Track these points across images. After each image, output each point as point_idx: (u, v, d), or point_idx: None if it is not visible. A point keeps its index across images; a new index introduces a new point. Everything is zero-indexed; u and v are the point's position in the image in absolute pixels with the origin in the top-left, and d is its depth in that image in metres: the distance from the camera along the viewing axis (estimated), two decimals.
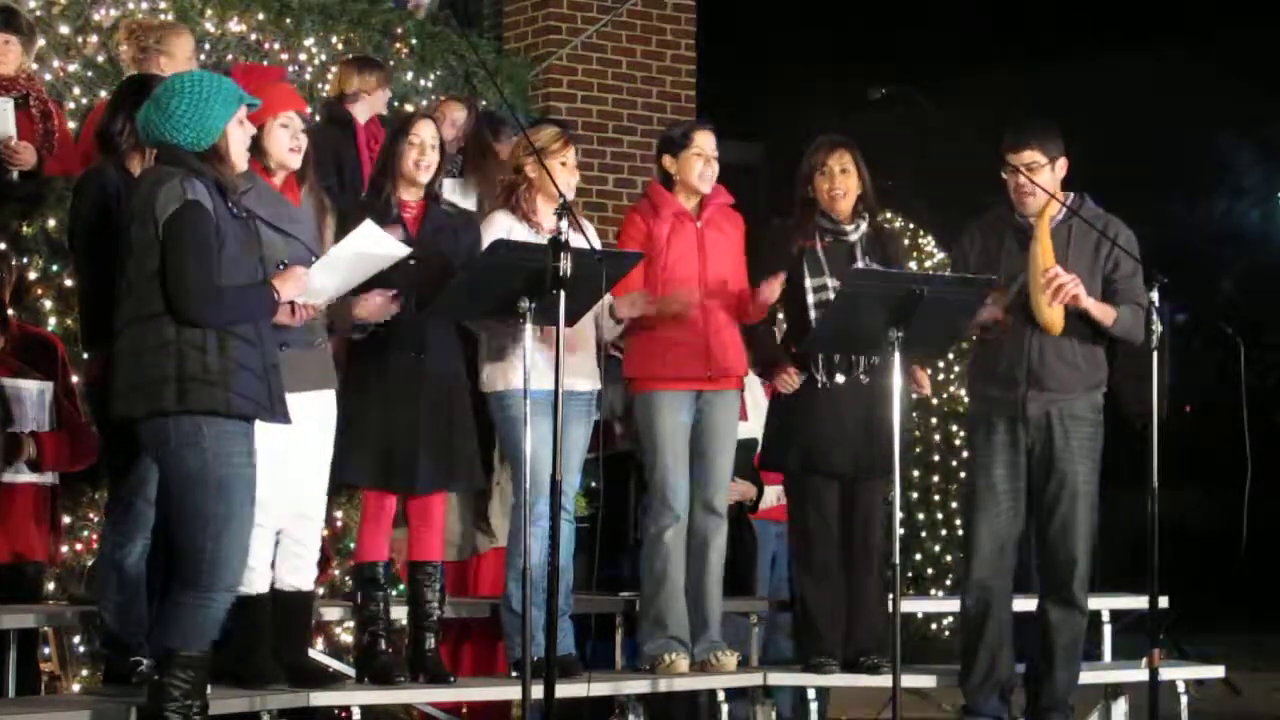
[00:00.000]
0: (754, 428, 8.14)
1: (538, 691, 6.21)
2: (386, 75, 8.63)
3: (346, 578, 8.16)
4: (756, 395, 8.46)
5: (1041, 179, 7.17)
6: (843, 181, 7.50)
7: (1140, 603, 7.63)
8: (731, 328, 7.51)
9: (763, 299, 7.35)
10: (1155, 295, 6.93)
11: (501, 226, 7.01)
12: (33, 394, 6.96)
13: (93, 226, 6.32)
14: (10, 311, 7.11)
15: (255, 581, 6.44)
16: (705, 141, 7.48)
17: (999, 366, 7.25)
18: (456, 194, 7.77)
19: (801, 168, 7.57)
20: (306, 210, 6.58)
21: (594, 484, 8.21)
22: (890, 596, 7.18)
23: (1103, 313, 7.13)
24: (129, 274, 5.81)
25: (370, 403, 6.79)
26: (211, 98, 5.85)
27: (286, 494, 6.52)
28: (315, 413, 6.57)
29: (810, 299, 7.44)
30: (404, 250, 6.36)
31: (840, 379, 7.44)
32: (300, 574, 6.65)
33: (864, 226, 7.56)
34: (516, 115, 7.70)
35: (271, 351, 6.00)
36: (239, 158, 5.95)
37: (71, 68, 8.22)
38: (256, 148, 6.45)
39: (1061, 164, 7.25)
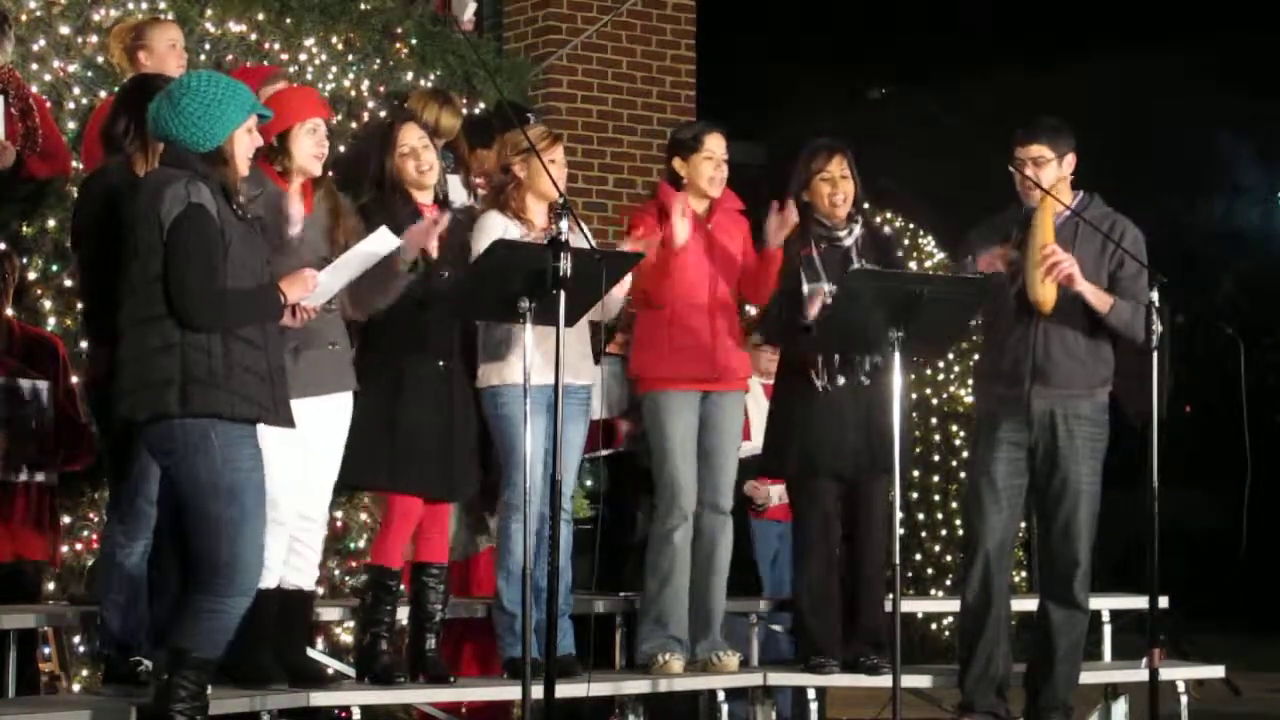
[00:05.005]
0: (759, 441, 8.12)
1: (538, 691, 6.22)
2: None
3: (347, 578, 8.16)
4: (761, 405, 8.45)
5: (1047, 173, 7.19)
6: (844, 187, 7.50)
7: (1140, 603, 7.63)
8: (736, 331, 7.54)
9: (774, 238, 7.33)
10: (1155, 295, 6.94)
11: (496, 226, 7.01)
12: (32, 394, 6.96)
13: (97, 227, 6.32)
14: (10, 311, 7.12)
15: (265, 578, 6.43)
16: (716, 145, 7.47)
17: (1004, 363, 7.26)
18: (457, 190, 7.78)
19: (797, 174, 7.56)
20: (318, 214, 6.58)
21: (591, 484, 8.21)
22: (890, 596, 7.19)
23: (1099, 299, 7.13)
24: (132, 276, 5.81)
25: (407, 409, 6.80)
26: (224, 100, 5.84)
27: (297, 494, 6.53)
28: (328, 416, 6.58)
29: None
30: (397, 242, 6.37)
31: (841, 381, 7.43)
32: (302, 573, 6.66)
33: (858, 230, 7.56)
34: (513, 116, 7.67)
35: (277, 354, 6.00)
36: (243, 164, 5.95)
37: (71, 68, 8.21)
38: (282, 150, 6.47)
39: (1069, 160, 7.28)
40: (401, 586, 7.11)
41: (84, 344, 7.14)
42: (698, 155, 7.46)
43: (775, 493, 8.65)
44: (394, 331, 6.80)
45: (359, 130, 8.33)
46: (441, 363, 6.89)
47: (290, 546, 6.60)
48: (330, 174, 6.74)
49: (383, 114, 8.59)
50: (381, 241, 6.31)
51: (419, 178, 6.93)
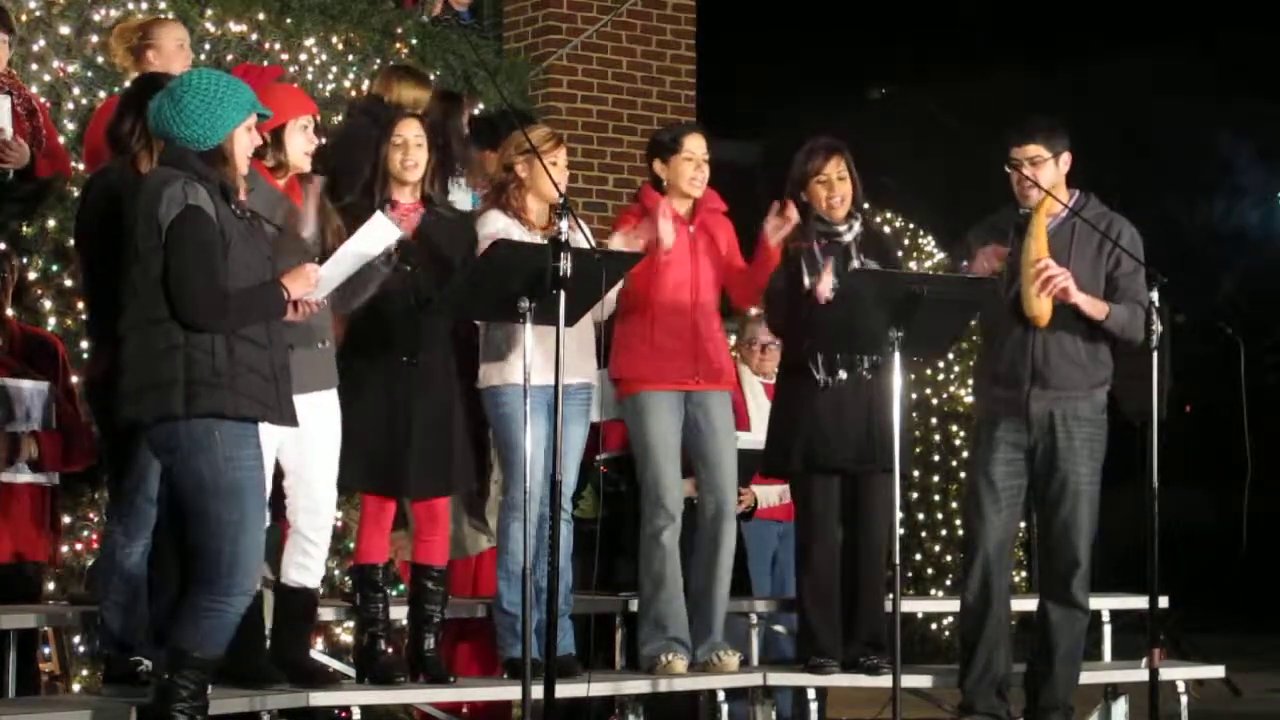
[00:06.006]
0: (758, 437, 8.12)
1: (538, 691, 6.22)
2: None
3: (346, 578, 8.16)
4: (760, 403, 8.45)
5: (1045, 173, 7.20)
6: (840, 188, 7.50)
7: (1140, 603, 7.63)
8: (720, 332, 7.55)
9: (772, 238, 7.34)
10: (1155, 295, 6.94)
11: (496, 225, 7.02)
12: (33, 394, 6.96)
13: (99, 226, 6.32)
14: (10, 311, 7.12)
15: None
16: (695, 145, 7.48)
17: (1002, 366, 7.26)
18: (459, 195, 7.78)
19: (794, 172, 7.56)
20: (309, 211, 6.59)
21: (602, 485, 8.21)
22: (890, 596, 7.19)
23: (1094, 308, 7.14)
24: (134, 278, 5.80)
25: (367, 406, 6.79)
26: (225, 99, 5.85)
27: (297, 492, 6.53)
28: (321, 412, 6.58)
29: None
30: (397, 233, 6.38)
31: (842, 375, 7.43)
32: (307, 572, 6.66)
33: (857, 227, 7.56)
34: (512, 116, 7.67)
35: (281, 354, 6.00)
36: (242, 162, 5.96)
37: (71, 68, 8.22)
38: (276, 145, 6.48)
39: (1065, 158, 7.28)
40: (400, 585, 7.11)
41: (85, 344, 7.14)
42: (677, 156, 7.47)
43: (776, 492, 8.64)
44: (359, 328, 6.79)
45: (338, 127, 8.26)
46: (407, 357, 6.86)
47: (297, 545, 6.60)
48: (318, 173, 6.73)
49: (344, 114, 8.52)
50: (380, 231, 6.30)
51: (402, 171, 6.93)
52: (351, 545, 8.27)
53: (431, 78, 8.52)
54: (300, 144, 6.56)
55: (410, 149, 6.92)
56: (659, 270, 7.38)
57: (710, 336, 7.46)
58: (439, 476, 6.97)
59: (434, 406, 6.90)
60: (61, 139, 7.84)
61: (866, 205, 7.73)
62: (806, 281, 7.44)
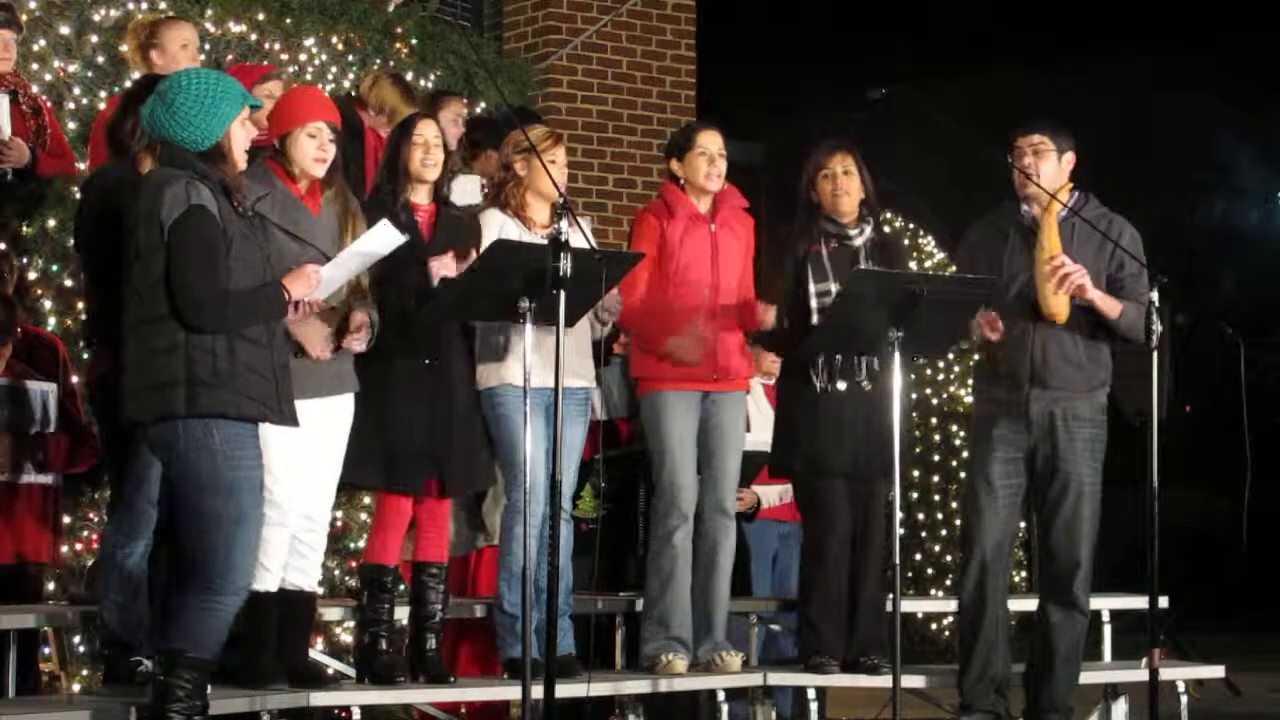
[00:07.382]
0: (759, 438, 8.13)
1: (538, 691, 6.22)
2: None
3: (347, 578, 8.17)
4: (761, 404, 8.45)
5: (1048, 165, 7.19)
6: (845, 182, 7.50)
7: (1140, 603, 7.64)
8: (737, 331, 7.53)
9: (762, 324, 7.44)
10: (1155, 295, 6.94)
11: (495, 225, 7.03)
12: (37, 395, 6.96)
13: (99, 226, 6.32)
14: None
15: (267, 580, 6.46)
16: (708, 140, 7.49)
17: (1002, 367, 7.26)
18: (467, 190, 7.79)
19: (803, 172, 7.58)
20: (327, 217, 6.58)
21: (602, 484, 8.22)
22: (890, 596, 7.19)
23: (1108, 305, 7.13)
24: (135, 278, 5.80)
25: (396, 407, 6.80)
26: (217, 97, 5.84)
27: (297, 495, 6.54)
28: (330, 417, 6.58)
29: (814, 303, 7.44)
30: (401, 239, 6.38)
31: (842, 385, 7.43)
32: (305, 574, 6.66)
33: (869, 231, 7.56)
34: (513, 115, 7.68)
35: (282, 353, 6.00)
36: (240, 158, 5.96)
37: (71, 68, 8.23)
38: (282, 153, 6.48)
39: (1069, 158, 7.28)
40: (402, 585, 7.12)
41: (82, 344, 7.15)
42: (692, 153, 7.49)
43: (777, 492, 8.65)
44: (382, 330, 6.79)
45: None
46: (428, 360, 6.87)
47: (293, 548, 6.60)
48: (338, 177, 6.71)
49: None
50: (384, 236, 6.30)
51: (422, 170, 6.93)
52: (351, 545, 8.28)
53: (422, 83, 8.55)
54: (308, 151, 6.51)
55: (431, 148, 6.93)
56: (679, 270, 7.38)
57: (727, 336, 7.46)
58: (471, 474, 7.02)
59: (458, 405, 6.93)
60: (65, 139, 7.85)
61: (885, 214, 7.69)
62: (811, 287, 7.44)
